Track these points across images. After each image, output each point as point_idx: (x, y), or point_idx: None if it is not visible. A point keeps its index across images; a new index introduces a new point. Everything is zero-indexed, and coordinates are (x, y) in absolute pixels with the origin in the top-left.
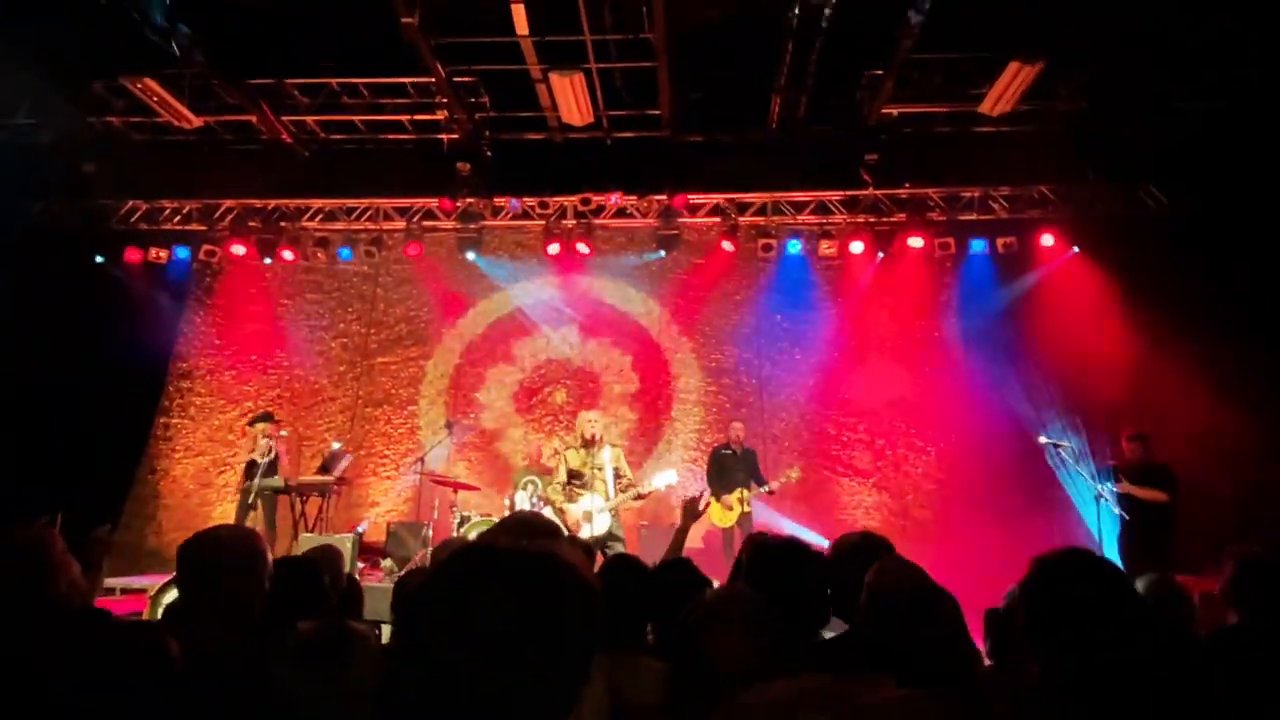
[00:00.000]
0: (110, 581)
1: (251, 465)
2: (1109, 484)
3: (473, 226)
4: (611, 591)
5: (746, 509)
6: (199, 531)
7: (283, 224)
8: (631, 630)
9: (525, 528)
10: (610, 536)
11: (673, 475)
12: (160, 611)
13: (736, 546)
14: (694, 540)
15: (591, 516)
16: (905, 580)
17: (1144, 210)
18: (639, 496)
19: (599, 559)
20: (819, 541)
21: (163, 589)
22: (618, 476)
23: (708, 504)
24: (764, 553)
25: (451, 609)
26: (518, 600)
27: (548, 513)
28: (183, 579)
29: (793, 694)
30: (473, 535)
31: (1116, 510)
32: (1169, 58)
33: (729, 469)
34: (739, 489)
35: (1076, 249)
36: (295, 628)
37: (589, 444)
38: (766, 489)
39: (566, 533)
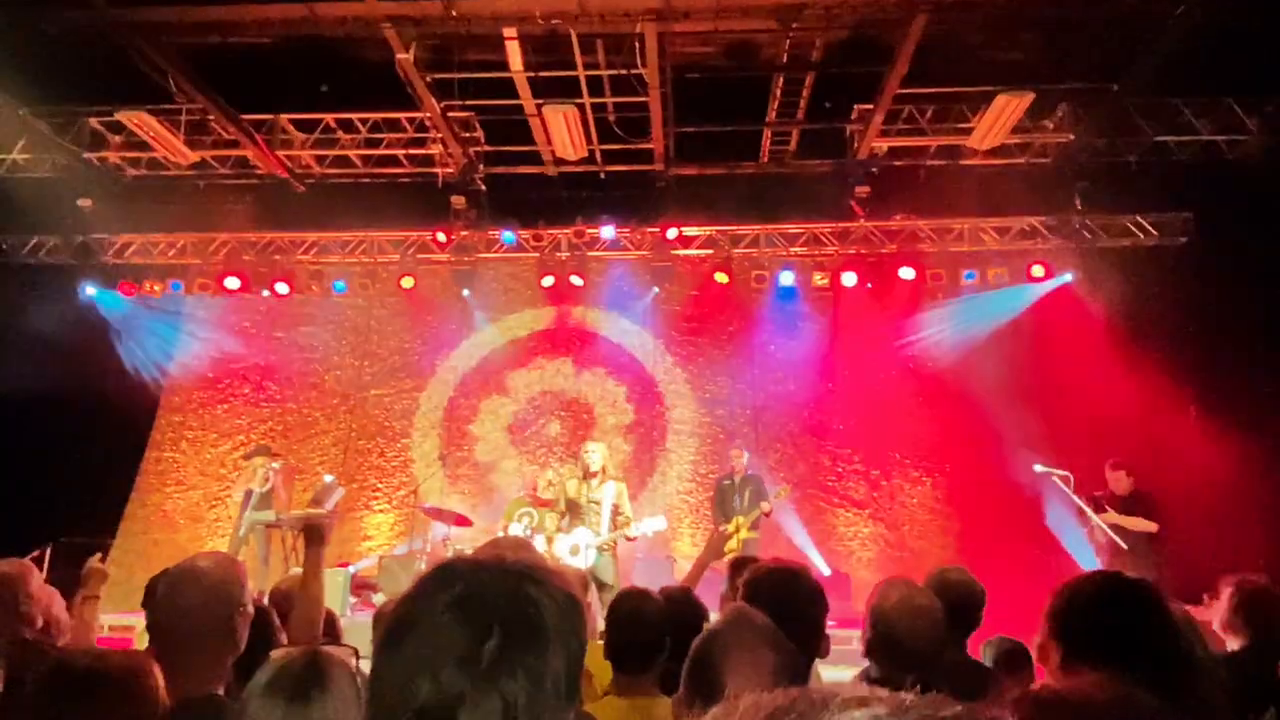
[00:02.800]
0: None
1: (248, 494)
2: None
3: (467, 259)
4: (622, 632)
5: (746, 534)
6: (174, 565)
7: (277, 257)
8: (641, 670)
9: (499, 549)
10: (592, 575)
11: (661, 521)
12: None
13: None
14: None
15: (579, 550)
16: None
17: (1133, 240)
18: (627, 539)
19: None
20: (822, 567)
21: None
22: (616, 513)
23: (734, 550)
24: (759, 578)
25: (429, 617)
26: (496, 608)
27: (539, 542)
28: (154, 616)
29: (766, 704)
30: None
31: (1116, 540)
32: (1155, 89)
33: (728, 499)
34: (736, 517)
35: (1067, 278)
36: (268, 658)
37: (588, 475)
38: (759, 511)
39: (561, 563)
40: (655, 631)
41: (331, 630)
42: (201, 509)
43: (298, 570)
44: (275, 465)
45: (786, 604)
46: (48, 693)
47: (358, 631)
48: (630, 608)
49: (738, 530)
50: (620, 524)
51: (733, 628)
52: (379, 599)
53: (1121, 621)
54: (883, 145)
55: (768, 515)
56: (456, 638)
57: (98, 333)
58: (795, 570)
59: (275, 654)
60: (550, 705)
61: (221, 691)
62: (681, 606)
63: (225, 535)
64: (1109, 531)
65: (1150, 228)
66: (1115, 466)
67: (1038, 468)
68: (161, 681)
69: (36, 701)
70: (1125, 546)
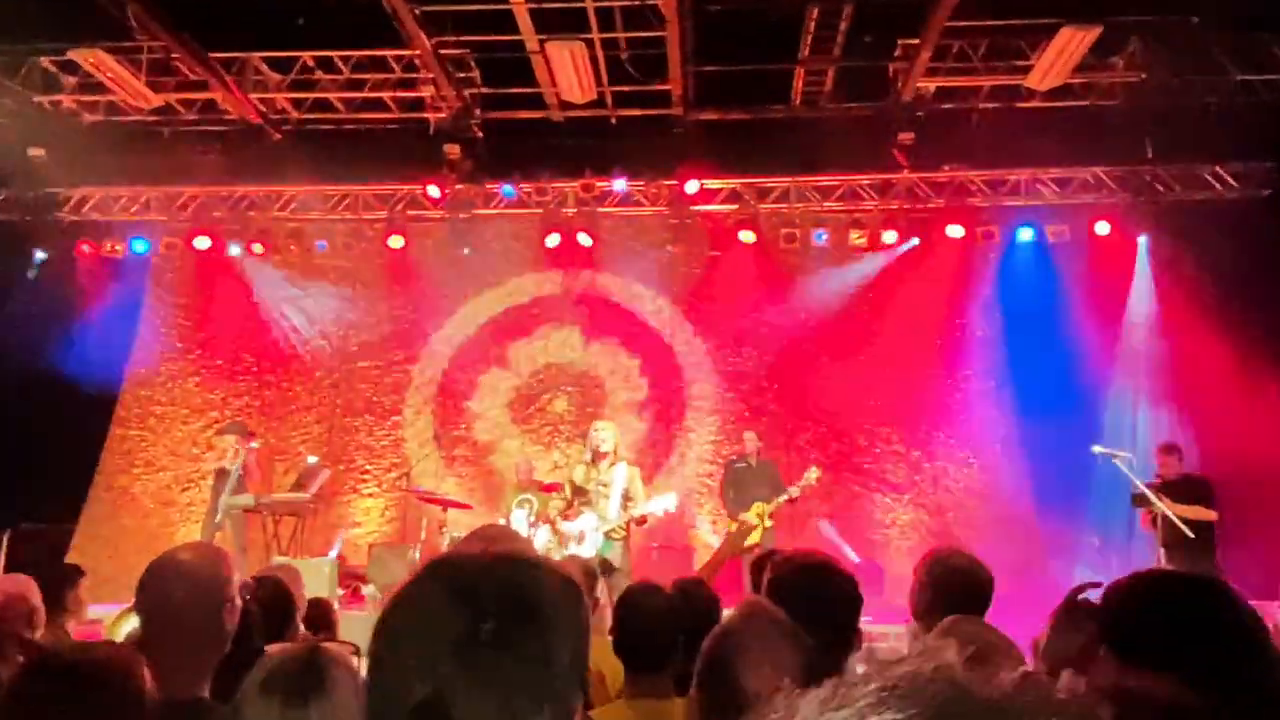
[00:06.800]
0: None
1: (221, 474)
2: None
3: (463, 216)
4: (631, 629)
5: (768, 524)
6: (161, 555)
7: (251, 214)
8: (654, 669)
9: (488, 539)
10: (603, 562)
11: (672, 500)
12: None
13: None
14: None
15: (584, 537)
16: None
17: (1211, 193)
18: (635, 521)
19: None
20: (850, 555)
21: (120, 617)
22: (627, 498)
23: (756, 542)
24: (784, 576)
25: (425, 609)
26: (491, 594)
27: (544, 531)
28: (140, 608)
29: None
30: None
31: (1183, 528)
32: (1239, 23)
33: (745, 483)
34: (757, 504)
35: (1137, 237)
36: (262, 655)
37: (597, 458)
38: (786, 496)
39: (566, 551)
40: (667, 627)
41: (326, 621)
42: (172, 492)
43: (279, 559)
44: (254, 445)
45: (814, 605)
46: (29, 689)
47: (346, 625)
48: (639, 603)
49: (761, 519)
50: (630, 509)
51: (747, 624)
52: (369, 590)
53: (1179, 622)
54: (930, 86)
55: (793, 502)
56: (453, 626)
57: (53, 297)
58: (825, 565)
59: (271, 650)
60: (553, 688)
61: (206, 692)
62: (695, 600)
63: (199, 520)
64: (1175, 519)
65: (1231, 179)
66: (1167, 450)
67: (1096, 449)
68: (149, 677)
69: (16, 697)
70: (1192, 535)
